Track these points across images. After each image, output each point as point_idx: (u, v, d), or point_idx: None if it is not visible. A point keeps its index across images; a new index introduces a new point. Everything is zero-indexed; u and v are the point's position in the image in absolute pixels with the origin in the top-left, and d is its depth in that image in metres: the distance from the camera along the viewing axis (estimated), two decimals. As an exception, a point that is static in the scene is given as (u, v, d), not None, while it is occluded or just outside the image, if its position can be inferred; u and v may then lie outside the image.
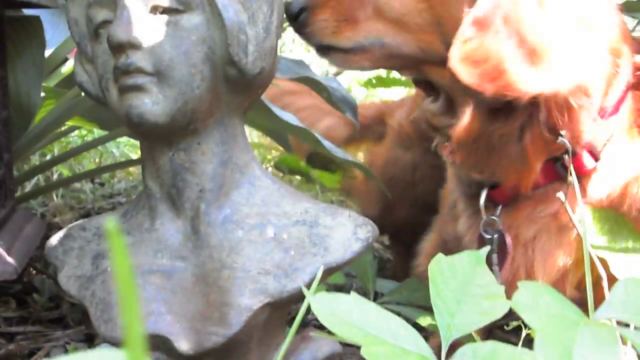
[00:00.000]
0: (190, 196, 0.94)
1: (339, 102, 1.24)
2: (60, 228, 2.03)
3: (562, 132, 1.06)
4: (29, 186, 2.24)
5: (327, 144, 1.39)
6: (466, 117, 1.08)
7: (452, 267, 0.77)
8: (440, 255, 0.78)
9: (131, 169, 2.68)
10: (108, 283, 0.95)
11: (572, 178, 1.03)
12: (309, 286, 0.90)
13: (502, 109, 1.05)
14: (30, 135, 1.39)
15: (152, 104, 0.88)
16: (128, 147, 2.97)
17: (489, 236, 1.14)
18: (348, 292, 1.42)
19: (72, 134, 2.63)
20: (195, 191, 0.93)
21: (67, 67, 1.73)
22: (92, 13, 0.92)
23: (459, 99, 1.11)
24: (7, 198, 1.29)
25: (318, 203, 0.96)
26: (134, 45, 0.87)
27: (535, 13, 0.98)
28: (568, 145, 1.07)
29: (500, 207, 1.15)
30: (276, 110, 1.38)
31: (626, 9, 1.57)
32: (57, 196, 2.36)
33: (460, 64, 0.99)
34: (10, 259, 1.13)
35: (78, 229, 1.02)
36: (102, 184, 2.59)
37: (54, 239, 1.02)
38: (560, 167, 1.11)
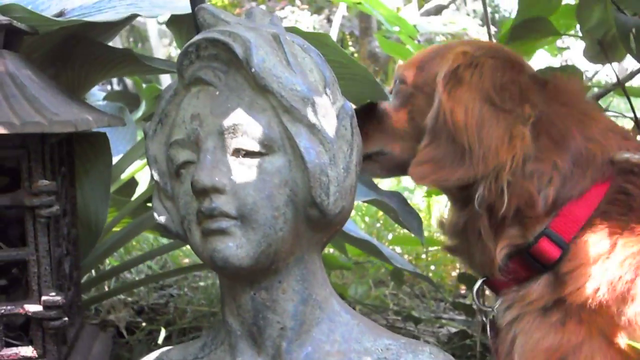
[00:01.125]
0: (271, 334, 0.93)
1: (405, 218, 1.25)
2: (115, 326, 2.04)
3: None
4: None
5: (387, 252, 1.38)
6: (449, 211, 1.26)
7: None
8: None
9: (181, 258, 2.69)
10: (189, 422, 0.95)
11: None
12: None
13: (466, 199, 1.18)
14: (98, 252, 1.41)
15: (237, 247, 0.88)
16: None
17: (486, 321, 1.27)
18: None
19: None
20: (276, 329, 0.93)
21: (126, 174, 1.76)
22: (173, 153, 0.94)
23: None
24: (76, 316, 1.30)
25: (398, 338, 0.96)
26: (218, 190, 0.88)
27: (467, 119, 1.15)
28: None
29: (501, 296, 1.23)
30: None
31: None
32: (109, 287, 2.36)
33: (413, 166, 1.18)
34: (83, 384, 1.13)
35: (156, 363, 1.02)
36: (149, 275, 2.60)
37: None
38: (529, 257, 1.17)
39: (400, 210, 1.22)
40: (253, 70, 0.89)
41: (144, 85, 2.02)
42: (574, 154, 1.17)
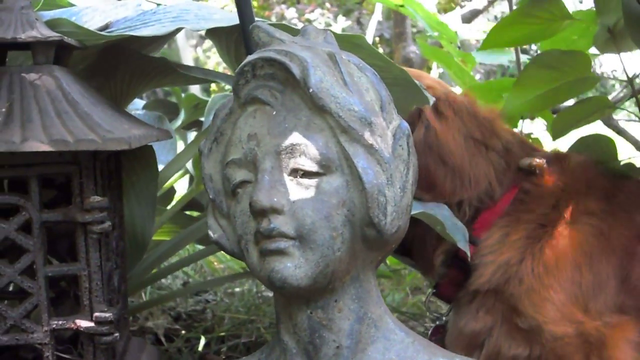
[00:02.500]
0: (327, 353, 0.94)
1: (452, 231, 1.24)
2: (154, 333, 2.05)
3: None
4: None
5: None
6: None
7: None
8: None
9: (216, 264, 2.70)
10: None
11: None
12: None
13: None
14: (144, 265, 1.41)
15: (295, 267, 0.89)
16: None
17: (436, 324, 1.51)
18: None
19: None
20: (332, 348, 0.94)
21: (168, 182, 1.77)
22: (230, 172, 0.94)
23: None
24: (124, 328, 1.30)
25: (453, 356, 0.96)
26: (277, 210, 0.88)
27: (451, 142, 1.35)
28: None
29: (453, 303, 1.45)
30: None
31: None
32: (145, 294, 2.38)
33: None
34: (134, 397, 1.14)
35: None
36: (188, 283, 2.61)
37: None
38: (458, 260, 1.37)
39: (447, 223, 1.22)
40: (311, 90, 0.89)
41: (182, 95, 2.04)
42: (495, 167, 1.39)
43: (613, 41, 1.53)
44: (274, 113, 0.92)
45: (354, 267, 0.94)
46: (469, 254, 1.28)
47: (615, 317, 1.31)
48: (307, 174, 0.89)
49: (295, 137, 0.90)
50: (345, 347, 0.93)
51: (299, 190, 0.89)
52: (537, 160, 1.40)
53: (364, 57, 1.04)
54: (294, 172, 0.90)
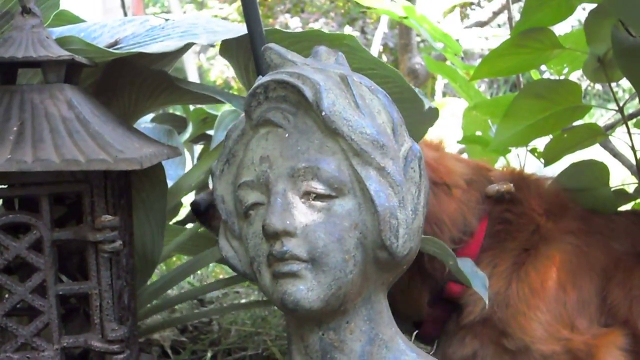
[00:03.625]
0: (338, 374, 0.94)
1: (472, 277, 1.24)
2: (160, 345, 2.05)
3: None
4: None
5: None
6: None
7: None
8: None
9: (221, 276, 2.70)
10: None
11: None
12: None
13: None
14: (158, 285, 1.41)
15: (307, 290, 0.89)
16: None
17: None
18: None
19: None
20: (344, 369, 0.94)
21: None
22: (242, 194, 0.94)
23: None
24: (133, 345, 1.30)
25: (464, 378, 0.96)
26: (289, 233, 0.88)
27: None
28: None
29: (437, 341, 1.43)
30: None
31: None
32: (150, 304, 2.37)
33: None
34: (144, 415, 1.14)
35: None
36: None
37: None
38: (444, 301, 1.38)
39: (466, 270, 1.22)
40: (323, 113, 0.89)
41: (191, 108, 2.04)
42: (465, 203, 1.37)
43: (603, 70, 1.52)
44: (287, 135, 0.92)
45: (366, 289, 0.94)
46: (486, 301, 1.26)
47: (603, 329, 1.32)
48: (319, 197, 0.90)
49: (308, 160, 0.90)
50: (357, 369, 0.94)
51: (311, 213, 0.89)
52: (505, 185, 1.39)
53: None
54: (307, 195, 0.90)
